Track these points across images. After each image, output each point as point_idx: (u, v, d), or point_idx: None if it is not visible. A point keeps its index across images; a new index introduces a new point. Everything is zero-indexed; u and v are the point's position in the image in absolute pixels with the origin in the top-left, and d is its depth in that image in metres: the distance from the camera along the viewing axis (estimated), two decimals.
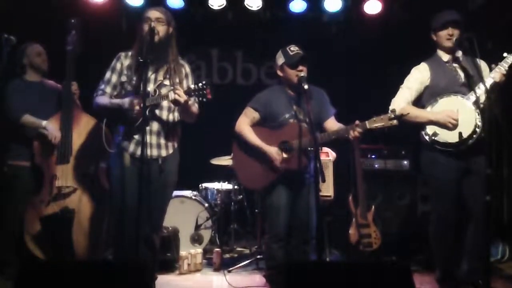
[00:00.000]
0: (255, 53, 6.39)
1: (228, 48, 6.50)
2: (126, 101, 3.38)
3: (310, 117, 3.39)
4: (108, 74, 3.56)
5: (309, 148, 3.60)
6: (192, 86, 3.30)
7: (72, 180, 3.83)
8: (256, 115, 3.79)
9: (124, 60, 3.54)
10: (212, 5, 5.48)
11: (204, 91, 3.24)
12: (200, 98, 3.26)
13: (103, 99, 3.50)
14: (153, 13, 3.45)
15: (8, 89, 4.02)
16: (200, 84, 3.26)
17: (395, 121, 3.31)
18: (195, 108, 3.51)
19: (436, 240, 3.75)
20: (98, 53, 4.24)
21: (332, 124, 3.75)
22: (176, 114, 3.56)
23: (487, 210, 3.47)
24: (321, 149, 4.49)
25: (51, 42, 4.27)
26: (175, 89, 3.28)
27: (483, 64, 3.72)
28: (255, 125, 3.78)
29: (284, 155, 3.63)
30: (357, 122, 3.40)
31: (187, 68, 3.63)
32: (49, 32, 4.44)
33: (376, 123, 3.35)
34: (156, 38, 3.35)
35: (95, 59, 4.12)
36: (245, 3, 5.46)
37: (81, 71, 4.12)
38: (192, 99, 3.38)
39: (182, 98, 3.26)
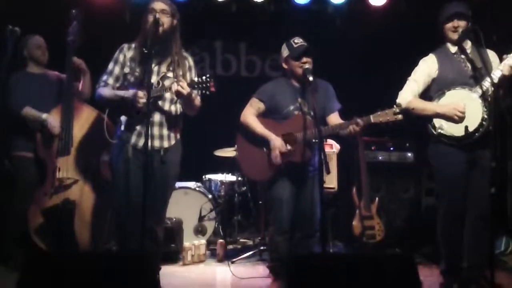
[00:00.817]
0: (259, 45, 6.37)
1: (232, 40, 6.48)
2: (130, 93, 3.38)
3: (315, 109, 3.39)
4: (111, 66, 3.56)
5: (313, 140, 3.60)
6: (196, 79, 3.29)
7: (73, 171, 3.83)
8: (261, 106, 3.79)
9: (127, 52, 3.54)
10: None
11: (208, 84, 3.24)
12: (204, 91, 3.26)
13: (106, 91, 3.49)
14: (158, 5, 3.43)
15: (10, 82, 4.01)
16: (203, 77, 3.25)
17: (399, 116, 3.29)
18: (197, 101, 3.50)
19: (443, 233, 3.73)
20: (102, 44, 4.23)
21: (335, 119, 3.74)
22: (179, 106, 3.55)
23: (491, 202, 3.47)
24: (326, 141, 4.49)
25: (55, 33, 4.26)
26: (179, 81, 3.28)
27: (492, 55, 3.70)
28: (260, 116, 3.78)
29: (288, 147, 3.62)
30: (359, 120, 3.40)
31: (190, 61, 3.62)
32: (54, 24, 4.43)
33: (381, 117, 3.34)
34: (160, 29, 3.34)
35: (99, 50, 4.11)
36: None
37: (85, 63, 4.12)
38: (195, 91, 3.37)
39: (185, 90, 3.25)
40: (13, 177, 4.08)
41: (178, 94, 3.29)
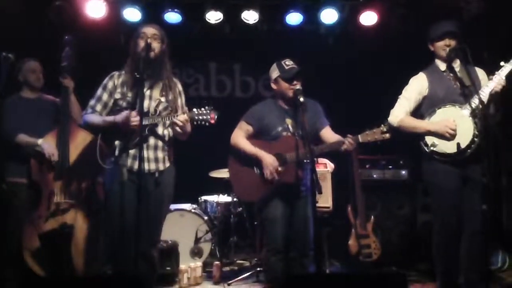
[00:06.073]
0: (253, 65, 6.42)
1: (226, 61, 6.53)
2: (122, 115, 3.39)
3: (305, 129, 3.41)
4: (99, 92, 3.55)
5: (305, 161, 3.60)
6: (196, 111, 3.32)
7: (69, 195, 3.82)
8: (250, 129, 3.80)
9: (117, 79, 3.53)
10: (209, 19, 5.52)
11: (209, 116, 3.27)
12: (204, 123, 3.29)
13: (94, 118, 3.50)
14: (149, 30, 3.47)
15: (4, 107, 4.01)
16: (203, 109, 3.29)
17: (387, 135, 3.32)
18: (188, 127, 3.52)
19: (439, 250, 3.73)
20: (97, 68, 4.26)
21: (328, 134, 3.76)
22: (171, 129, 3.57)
23: (485, 218, 3.48)
24: (317, 161, 4.49)
25: (50, 58, 4.28)
26: (180, 113, 3.32)
27: (480, 73, 3.75)
28: (249, 138, 3.78)
29: (279, 168, 3.63)
30: (349, 136, 3.42)
31: (179, 86, 3.65)
32: (49, 49, 4.46)
33: (369, 137, 3.37)
34: (152, 54, 3.38)
35: (93, 74, 4.13)
36: (242, 16, 5.51)
37: (80, 87, 4.14)
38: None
39: (186, 125, 3.31)
40: (8, 202, 4.07)
41: (174, 125, 3.33)
